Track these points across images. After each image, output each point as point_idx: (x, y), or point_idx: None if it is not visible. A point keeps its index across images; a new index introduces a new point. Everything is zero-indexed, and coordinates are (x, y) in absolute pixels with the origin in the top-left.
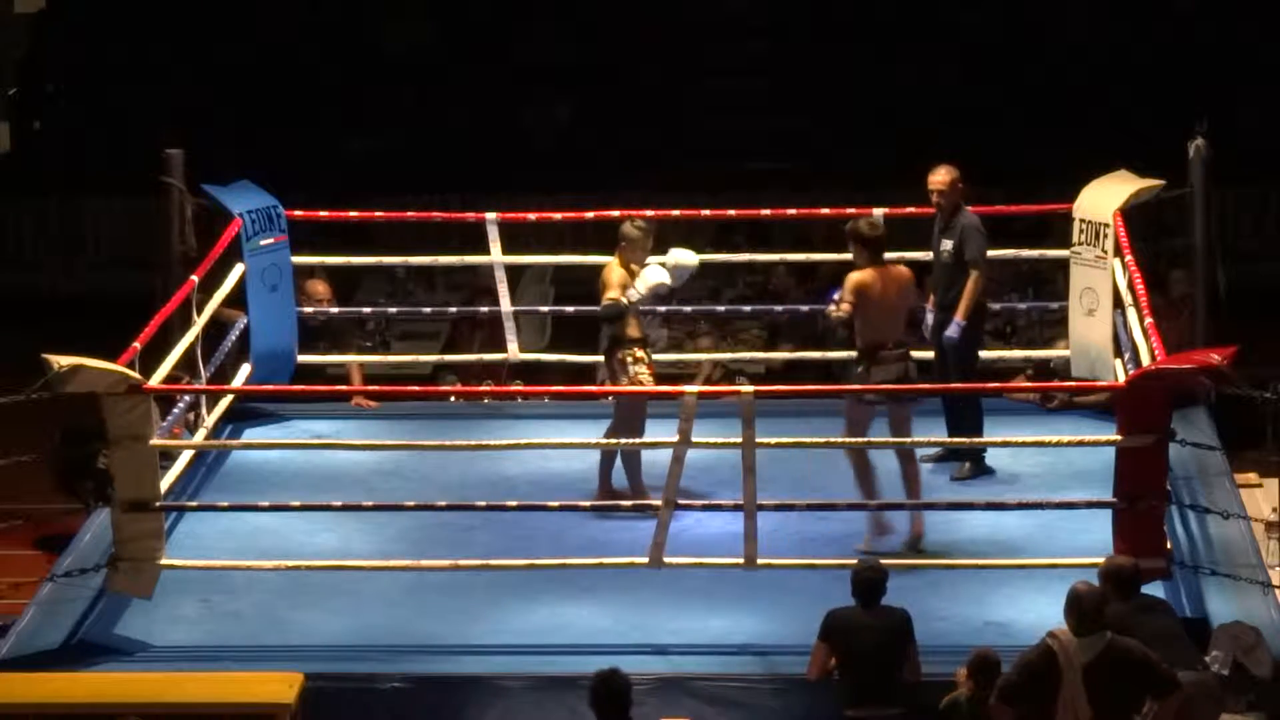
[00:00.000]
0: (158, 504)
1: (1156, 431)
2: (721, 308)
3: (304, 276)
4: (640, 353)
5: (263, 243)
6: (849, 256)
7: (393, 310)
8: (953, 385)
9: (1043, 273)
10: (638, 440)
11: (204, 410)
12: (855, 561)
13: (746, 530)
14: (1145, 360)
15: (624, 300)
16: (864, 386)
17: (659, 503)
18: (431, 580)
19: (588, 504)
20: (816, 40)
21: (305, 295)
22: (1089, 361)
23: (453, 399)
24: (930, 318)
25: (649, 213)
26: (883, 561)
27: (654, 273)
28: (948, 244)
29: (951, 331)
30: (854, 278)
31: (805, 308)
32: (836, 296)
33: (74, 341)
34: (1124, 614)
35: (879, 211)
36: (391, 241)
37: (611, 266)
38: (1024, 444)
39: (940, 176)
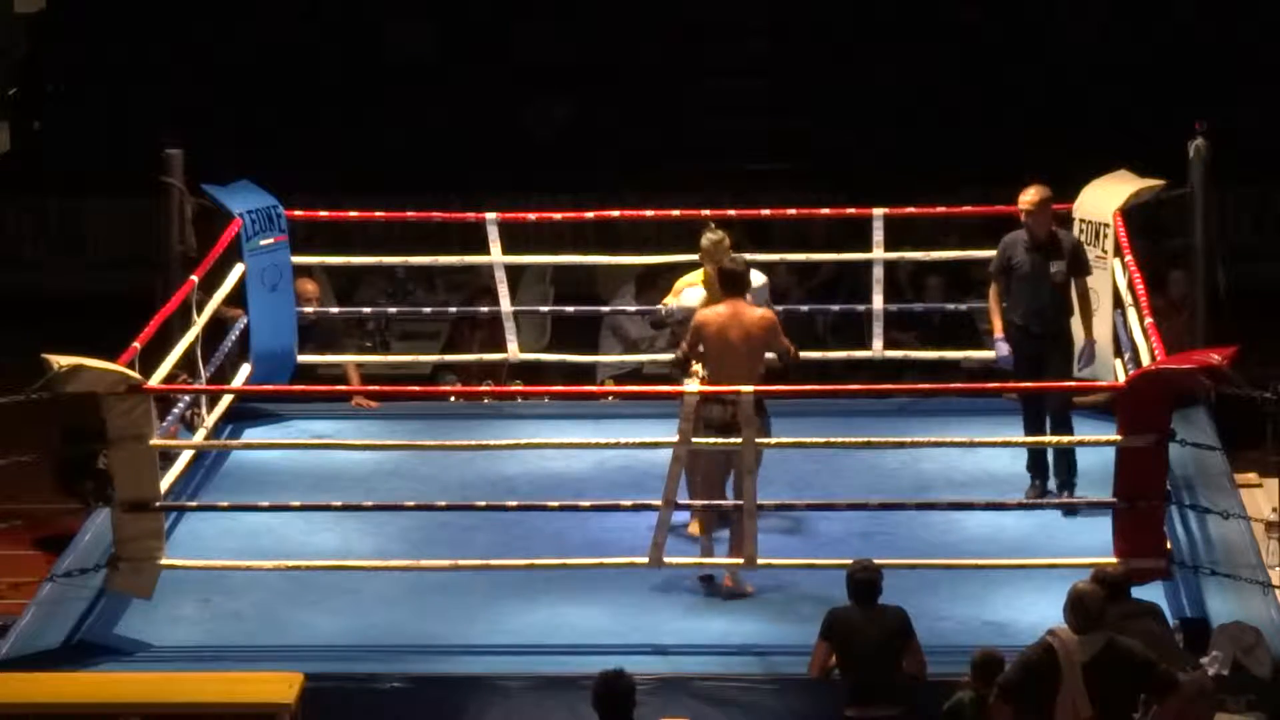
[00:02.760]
0: (158, 504)
1: (1156, 431)
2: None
3: (303, 272)
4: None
5: (262, 243)
6: (849, 257)
7: (393, 310)
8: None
9: None
10: (638, 440)
11: (204, 410)
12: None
13: (746, 530)
14: (1145, 360)
15: (661, 311)
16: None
17: (659, 503)
18: (431, 580)
19: (588, 504)
20: (816, 40)
21: (295, 294)
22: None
23: (453, 399)
24: (1005, 348)
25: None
26: (882, 562)
27: (692, 294)
28: (1058, 265)
29: (1088, 351)
30: (697, 314)
31: (805, 308)
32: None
33: (74, 341)
34: (1114, 619)
35: (879, 212)
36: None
37: (688, 276)
38: (1024, 444)
39: (1029, 196)
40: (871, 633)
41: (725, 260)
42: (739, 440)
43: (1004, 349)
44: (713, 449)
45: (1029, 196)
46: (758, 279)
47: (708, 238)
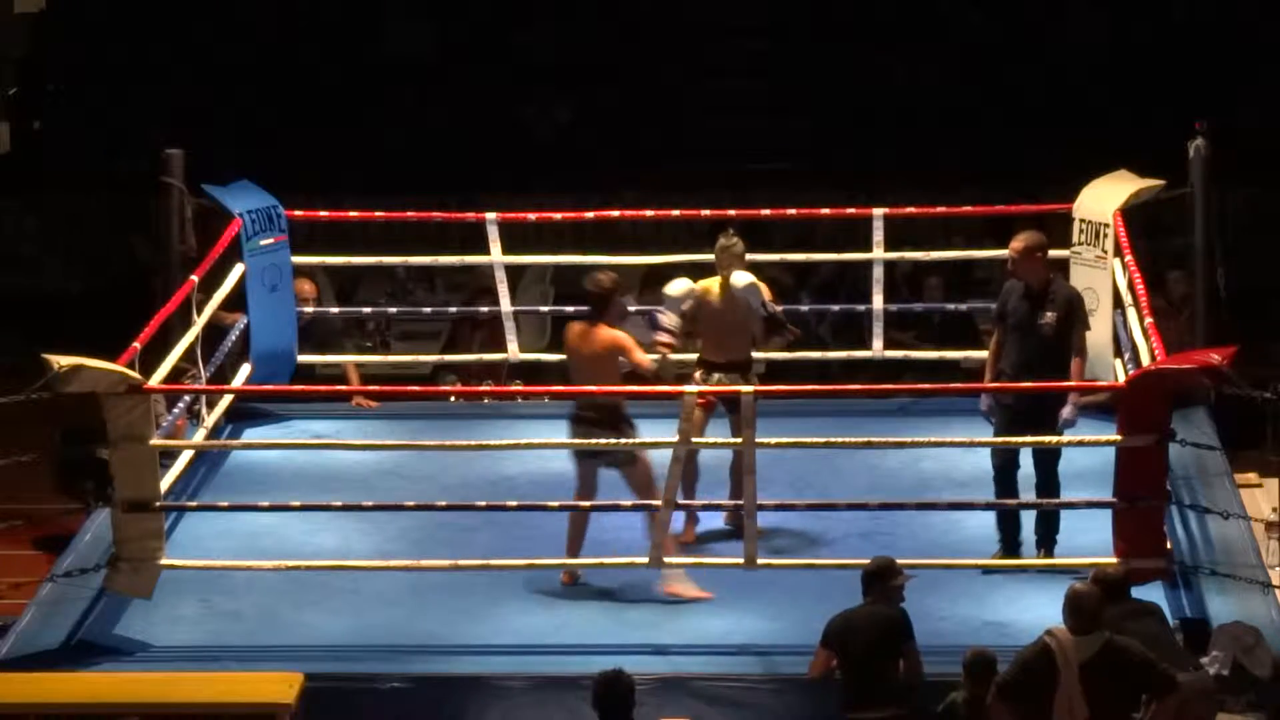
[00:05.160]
0: (158, 504)
1: (1156, 431)
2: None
3: (300, 272)
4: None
5: (262, 243)
6: (849, 257)
7: (393, 310)
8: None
9: None
10: (639, 440)
11: (204, 410)
12: (851, 562)
13: (746, 530)
14: (1145, 360)
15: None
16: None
17: (659, 503)
18: (431, 580)
19: (587, 504)
20: (816, 40)
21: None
22: (1089, 361)
23: (453, 399)
24: (991, 400)
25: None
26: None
27: (677, 285)
28: (1049, 315)
29: (1068, 414)
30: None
31: (805, 308)
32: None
33: (74, 341)
34: (1112, 619)
35: (879, 212)
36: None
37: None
38: (1024, 444)
39: (1013, 243)
40: (865, 633)
41: (734, 266)
42: (739, 441)
43: (986, 400)
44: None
45: (1013, 243)
46: (743, 278)
47: (719, 242)
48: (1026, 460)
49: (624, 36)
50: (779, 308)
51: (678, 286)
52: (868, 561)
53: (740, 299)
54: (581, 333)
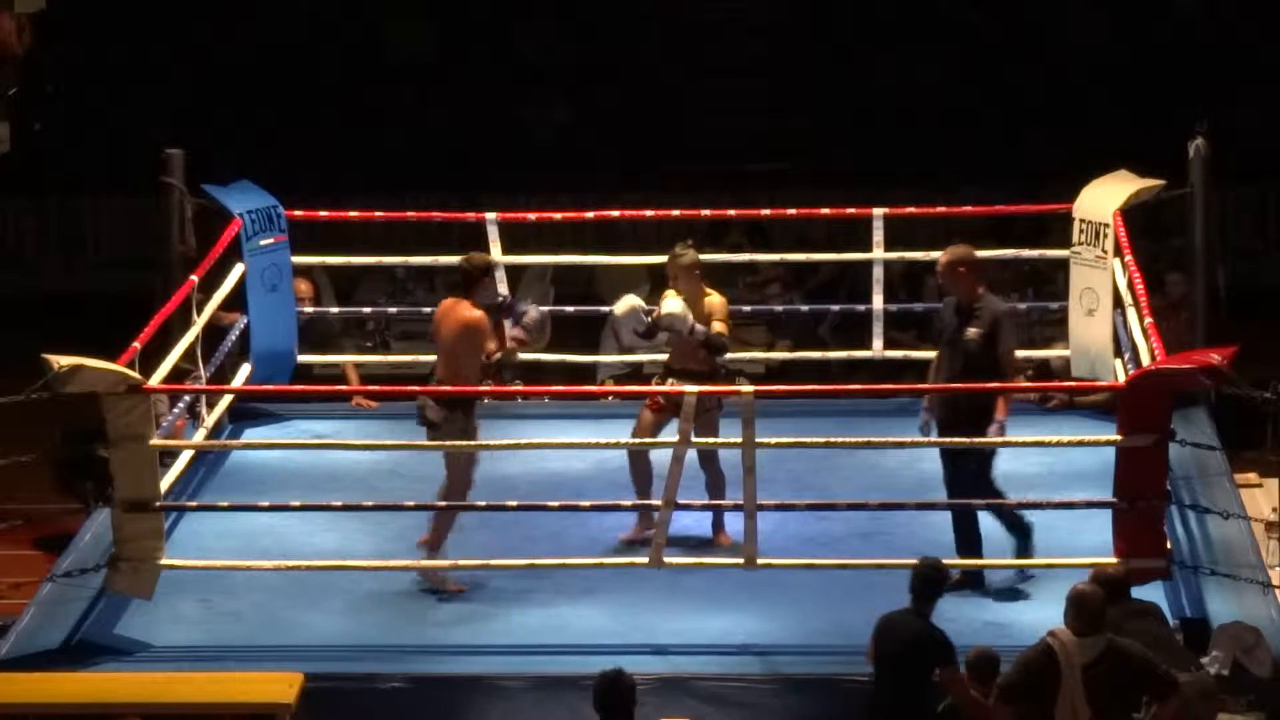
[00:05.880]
0: (158, 504)
1: (1156, 431)
2: None
3: (298, 271)
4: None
5: (262, 243)
6: (849, 257)
7: (393, 310)
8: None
9: (1043, 273)
10: (640, 440)
11: (204, 410)
12: (851, 562)
13: (746, 530)
14: (1145, 360)
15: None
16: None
17: (659, 503)
18: None
19: (588, 504)
20: (816, 40)
21: None
22: (1089, 361)
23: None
24: (928, 415)
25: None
26: (877, 563)
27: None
28: (972, 331)
29: (995, 433)
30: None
31: (805, 307)
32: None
33: (74, 341)
34: (1113, 619)
35: (879, 212)
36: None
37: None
38: (1024, 444)
39: (941, 257)
40: (894, 642)
41: (682, 278)
42: (739, 440)
43: (924, 417)
44: None
45: (940, 257)
46: (672, 306)
47: (673, 250)
48: (1015, 465)
49: (624, 36)
50: (718, 329)
51: (624, 305)
52: (865, 562)
53: (665, 323)
54: (446, 309)
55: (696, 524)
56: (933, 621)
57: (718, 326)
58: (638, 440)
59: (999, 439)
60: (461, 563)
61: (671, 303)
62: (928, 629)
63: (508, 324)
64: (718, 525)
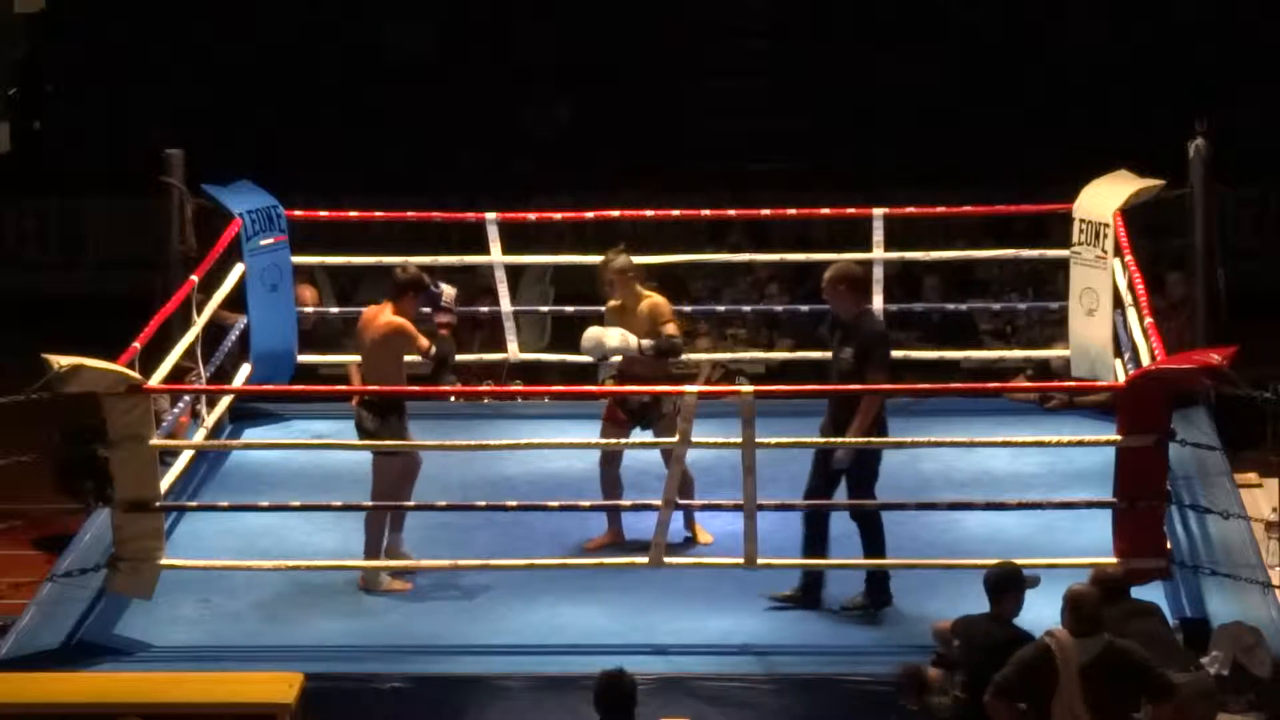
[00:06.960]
0: (158, 504)
1: (1156, 431)
2: (721, 307)
3: (302, 277)
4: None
5: (262, 243)
6: (849, 256)
7: None
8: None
9: (1043, 273)
10: (638, 440)
11: (204, 410)
12: (851, 562)
13: (746, 530)
14: (1145, 360)
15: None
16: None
17: (659, 503)
18: (432, 580)
19: (588, 504)
20: (816, 40)
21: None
22: (1089, 361)
23: (453, 399)
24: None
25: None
26: (877, 563)
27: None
28: (846, 351)
29: (841, 458)
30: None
31: (805, 308)
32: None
33: (74, 341)
34: (1113, 619)
35: (879, 212)
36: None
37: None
38: (1024, 444)
39: (826, 275)
40: (964, 648)
41: (616, 286)
42: (739, 440)
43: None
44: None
45: (825, 274)
46: (612, 337)
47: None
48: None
49: (624, 36)
50: (669, 330)
51: (589, 342)
52: (865, 562)
53: (611, 354)
54: (369, 317)
55: (675, 533)
56: (1015, 625)
57: (669, 329)
58: (636, 441)
59: (1005, 439)
60: (463, 563)
61: (611, 333)
62: (1019, 635)
63: (435, 313)
64: (689, 520)
